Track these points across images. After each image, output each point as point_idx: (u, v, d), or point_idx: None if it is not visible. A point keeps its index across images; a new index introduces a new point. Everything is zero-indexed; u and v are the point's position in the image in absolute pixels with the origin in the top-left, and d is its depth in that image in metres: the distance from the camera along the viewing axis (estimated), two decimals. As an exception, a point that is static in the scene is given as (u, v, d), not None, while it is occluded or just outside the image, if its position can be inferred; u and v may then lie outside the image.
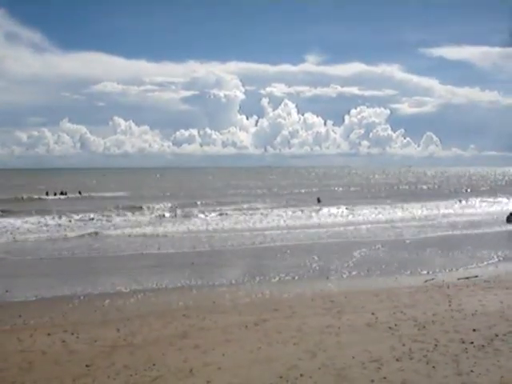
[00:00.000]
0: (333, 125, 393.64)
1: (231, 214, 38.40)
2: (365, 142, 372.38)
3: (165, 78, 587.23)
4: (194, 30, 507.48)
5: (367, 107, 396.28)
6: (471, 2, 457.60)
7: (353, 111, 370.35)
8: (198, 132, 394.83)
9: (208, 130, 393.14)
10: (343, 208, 42.45)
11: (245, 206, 46.89)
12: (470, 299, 13.76)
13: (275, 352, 9.92)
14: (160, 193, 65.25)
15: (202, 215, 37.83)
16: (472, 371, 8.70)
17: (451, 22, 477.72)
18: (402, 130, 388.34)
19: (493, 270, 18.53)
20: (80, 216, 36.09)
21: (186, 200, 49.41)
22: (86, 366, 9.46)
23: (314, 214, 39.37)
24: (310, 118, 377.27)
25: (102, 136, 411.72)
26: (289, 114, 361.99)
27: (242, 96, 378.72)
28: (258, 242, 25.74)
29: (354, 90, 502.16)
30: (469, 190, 73.86)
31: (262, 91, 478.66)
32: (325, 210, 41.75)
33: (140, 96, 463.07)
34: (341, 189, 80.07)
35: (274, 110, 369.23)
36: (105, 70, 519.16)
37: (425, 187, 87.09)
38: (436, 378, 8.49)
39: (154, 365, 9.38)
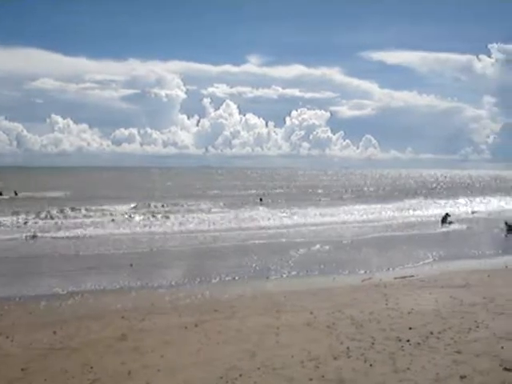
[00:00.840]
0: (274, 126, 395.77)
1: (173, 215, 38.07)
2: (305, 144, 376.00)
3: (105, 75, 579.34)
4: (135, 28, 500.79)
5: (308, 109, 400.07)
6: (411, 8, 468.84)
7: (294, 113, 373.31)
8: (139, 131, 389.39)
9: (148, 130, 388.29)
10: (285, 209, 42.74)
11: (187, 206, 46.63)
12: (406, 298, 14.06)
13: (215, 353, 9.90)
14: (101, 193, 64.04)
15: (144, 216, 37.38)
16: (408, 368, 8.88)
17: (391, 26, 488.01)
18: (342, 133, 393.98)
19: (428, 269, 19.02)
20: (17, 217, 35.05)
21: (128, 201, 48.62)
22: (22, 369, 9.20)
23: (255, 214, 39.48)
24: (252, 118, 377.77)
25: (39, 134, 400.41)
26: (230, 114, 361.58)
27: (183, 95, 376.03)
28: (198, 243, 25.69)
29: (295, 92, 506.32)
30: (408, 193, 75.46)
31: (204, 91, 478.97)
32: (266, 210, 41.99)
33: (79, 93, 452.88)
34: (283, 190, 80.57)
35: (215, 111, 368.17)
36: (43, 66, 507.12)
37: (366, 189, 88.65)
38: (373, 376, 8.63)
39: (91, 368, 9.20)
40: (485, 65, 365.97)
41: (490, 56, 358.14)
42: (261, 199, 54.38)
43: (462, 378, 8.48)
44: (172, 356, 9.77)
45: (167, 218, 36.66)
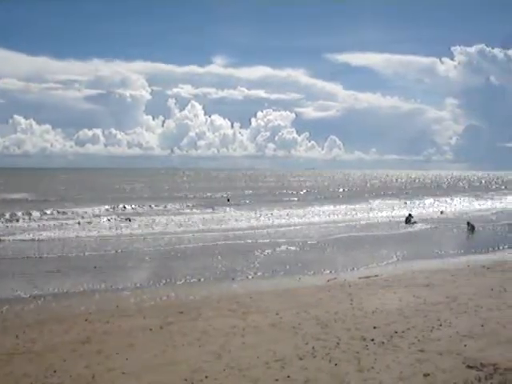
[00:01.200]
0: (240, 127, 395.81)
1: (140, 217, 37.86)
2: (271, 145, 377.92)
3: (68, 75, 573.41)
4: (99, 28, 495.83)
5: (273, 110, 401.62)
6: (375, 11, 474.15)
7: (259, 114, 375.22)
8: (103, 132, 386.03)
9: (113, 130, 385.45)
10: (252, 210, 42.79)
11: (154, 208, 46.38)
12: (370, 297, 14.21)
13: (180, 355, 9.86)
14: (66, 195, 63.26)
15: (110, 218, 36.97)
16: (373, 367, 8.97)
17: (355, 28, 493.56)
18: (307, 134, 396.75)
19: (392, 269, 19.22)
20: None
21: (93, 202, 48.13)
22: (-17, 375, 9.05)
23: (222, 215, 39.44)
24: (217, 119, 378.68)
25: (1, 135, 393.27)
26: (196, 115, 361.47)
27: (148, 96, 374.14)
28: (165, 244, 25.51)
29: (261, 93, 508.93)
30: (373, 194, 76.22)
31: (169, 92, 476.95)
32: (234, 211, 41.98)
33: (42, 94, 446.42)
34: (250, 191, 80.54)
35: (180, 111, 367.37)
36: (4, 66, 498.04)
37: (336, 190, 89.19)
38: (338, 376, 8.68)
39: (54, 372, 9.08)
40: (447, 67, 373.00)
41: (452, 59, 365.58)
42: (228, 200, 54.38)
43: (425, 376, 8.59)
44: (137, 359, 9.69)
45: (134, 219, 36.34)
